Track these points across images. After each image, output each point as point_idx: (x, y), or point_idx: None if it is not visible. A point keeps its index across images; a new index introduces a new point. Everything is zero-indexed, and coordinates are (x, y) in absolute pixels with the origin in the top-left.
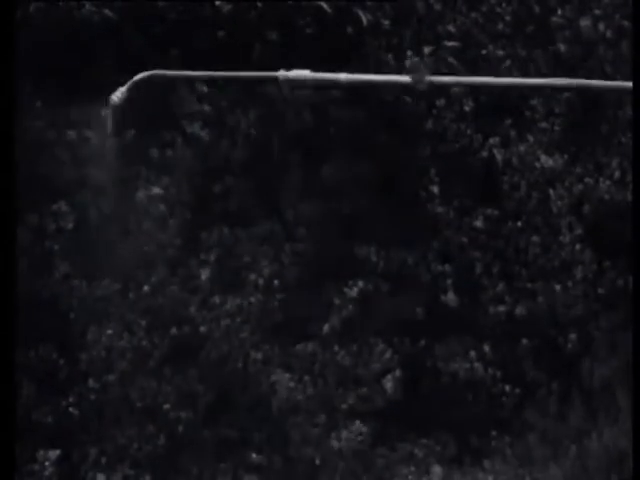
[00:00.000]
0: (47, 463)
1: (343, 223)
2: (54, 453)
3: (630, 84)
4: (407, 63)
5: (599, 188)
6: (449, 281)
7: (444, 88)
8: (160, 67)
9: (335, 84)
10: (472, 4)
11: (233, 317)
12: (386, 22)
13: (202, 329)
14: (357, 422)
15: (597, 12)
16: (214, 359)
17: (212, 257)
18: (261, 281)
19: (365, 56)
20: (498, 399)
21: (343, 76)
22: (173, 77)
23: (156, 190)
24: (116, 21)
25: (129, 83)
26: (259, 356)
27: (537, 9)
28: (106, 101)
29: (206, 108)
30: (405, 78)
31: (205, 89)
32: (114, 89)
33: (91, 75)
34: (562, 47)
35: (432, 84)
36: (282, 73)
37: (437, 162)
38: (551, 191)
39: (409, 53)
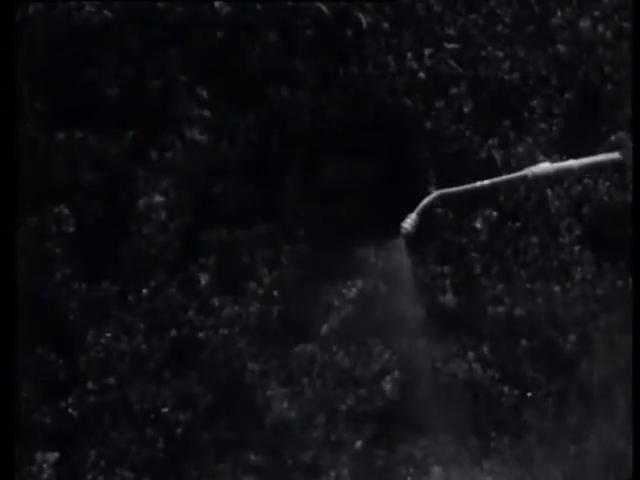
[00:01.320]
0: (45, 465)
1: (342, 224)
2: (53, 455)
3: None
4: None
5: (598, 189)
6: (447, 282)
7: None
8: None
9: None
10: (472, 5)
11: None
12: (386, 24)
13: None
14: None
15: (597, 13)
16: (213, 360)
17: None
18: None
19: (365, 58)
20: (497, 400)
21: (574, 163)
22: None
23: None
24: (116, 22)
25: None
26: (258, 358)
27: (537, 10)
28: None
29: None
30: (614, 155)
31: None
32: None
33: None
34: (562, 48)
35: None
36: (530, 171)
37: (436, 163)
38: (550, 192)
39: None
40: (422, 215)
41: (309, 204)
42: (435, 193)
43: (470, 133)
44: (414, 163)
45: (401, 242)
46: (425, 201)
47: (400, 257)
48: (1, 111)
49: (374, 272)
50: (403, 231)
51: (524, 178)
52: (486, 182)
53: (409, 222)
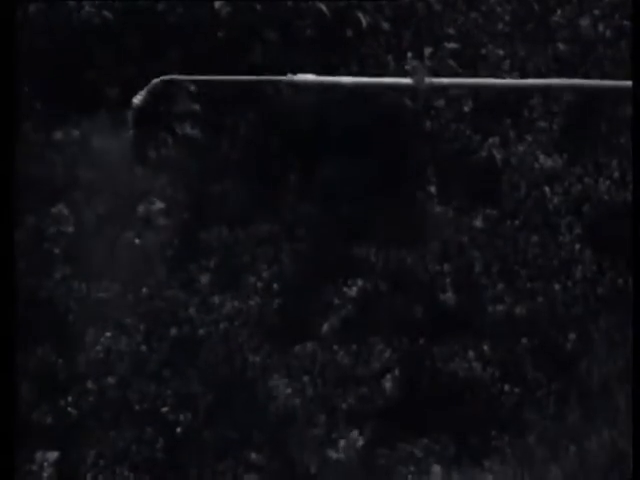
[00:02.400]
0: (46, 464)
1: (342, 223)
2: (52, 455)
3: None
4: (407, 66)
5: (598, 188)
6: (448, 280)
7: (443, 89)
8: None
9: (338, 87)
10: (472, 4)
11: (232, 319)
12: (385, 23)
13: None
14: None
15: (596, 12)
16: (213, 359)
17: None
18: (260, 282)
19: (365, 57)
20: (497, 399)
21: (346, 79)
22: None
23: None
24: (115, 22)
25: (149, 86)
26: (258, 357)
27: (537, 9)
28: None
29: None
30: (406, 80)
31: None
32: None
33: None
34: (561, 47)
35: (432, 85)
36: (287, 77)
37: (436, 162)
38: (550, 191)
39: (409, 55)
40: (152, 91)
41: (309, 203)
42: (164, 77)
43: (470, 132)
44: (414, 162)
45: (130, 115)
46: (153, 82)
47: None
48: (1, 111)
49: None
50: (133, 105)
51: (290, 82)
52: (235, 77)
53: (139, 97)
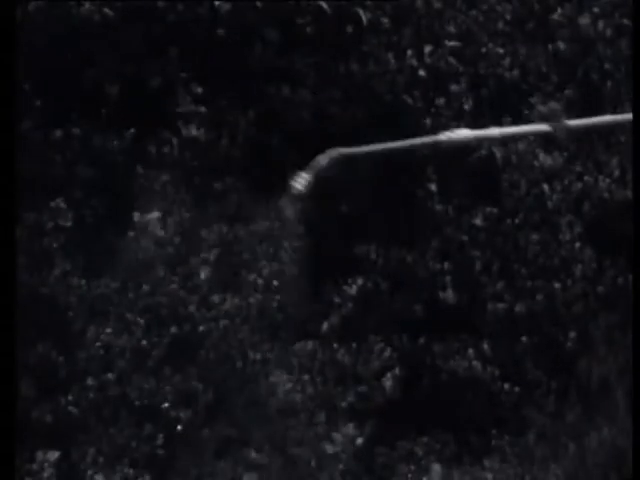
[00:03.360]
0: (46, 463)
1: (342, 222)
2: (53, 453)
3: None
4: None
5: (599, 186)
6: (448, 279)
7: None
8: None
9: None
10: (472, 2)
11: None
12: (386, 21)
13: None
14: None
15: (596, 10)
16: (213, 356)
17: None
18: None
19: (365, 55)
20: (497, 397)
21: (495, 131)
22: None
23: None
24: (116, 20)
25: (312, 167)
26: (258, 355)
27: (537, 7)
28: None
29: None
30: (544, 127)
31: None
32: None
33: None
34: (561, 45)
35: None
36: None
37: (436, 160)
38: (550, 189)
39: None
40: (316, 176)
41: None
42: (331, 152)
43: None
44: (414, 160)
45: (291, 199)
46: (323, 161)
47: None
48: (1, 111)
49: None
50: (294, 190)
51: (438, 143)
52: (395, 144)
53: (301, 182)
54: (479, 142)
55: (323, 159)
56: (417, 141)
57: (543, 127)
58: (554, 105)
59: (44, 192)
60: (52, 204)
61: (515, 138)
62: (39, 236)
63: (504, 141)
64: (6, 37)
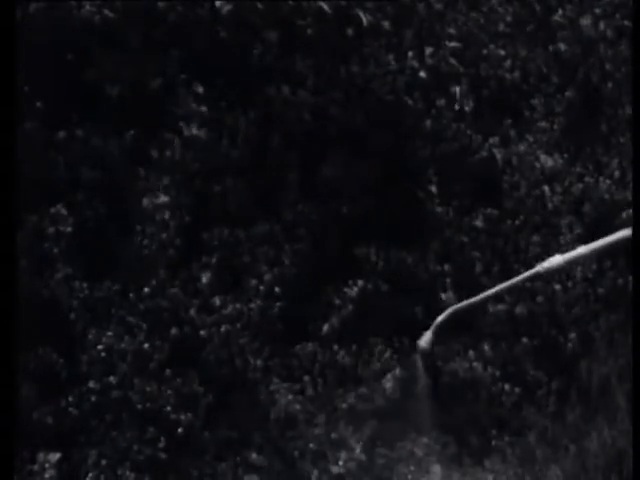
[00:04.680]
0: (47, 465)
1: (342, 223)
2: (54, 456)
3: None
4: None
5: (599, 187)
6: (448, 280)
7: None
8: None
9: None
10: (473, 4)
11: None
12: (386, 22)
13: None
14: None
15: (597, 11)
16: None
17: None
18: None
19: (365, 56)
20: (498, 398)
21: (585, 250)
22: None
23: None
24: (115, 21)
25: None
26: (258, 355)
27: (538, 9)
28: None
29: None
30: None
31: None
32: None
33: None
34: (562, 46)
35: None
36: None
37: (436, 162)
38: (550, 190)
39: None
40: (437, 332)
41: (309, 203)
42: (450, 309)
43: (471, 132)
44: (414, 162)
45: (418, 358)
46: (440, 318)
47: (417, 372)
48: (1, 111)
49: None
50: (419, 348)
51: (537, 275)
52: (501, 287)
53: (425, 339)
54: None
55: (445, 316)
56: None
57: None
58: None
59: (45, 194)
60: (52, 209)
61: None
62: (40, 239)
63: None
64: (6, 38)
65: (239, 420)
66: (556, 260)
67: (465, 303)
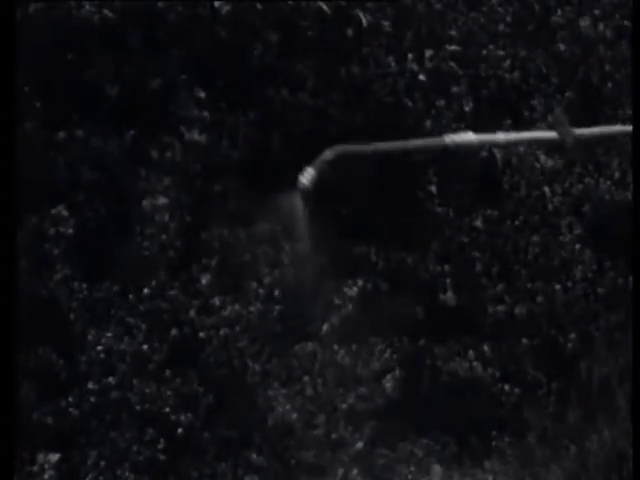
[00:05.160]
0: (46, 466)
1: (342, 223)
2: (53, 456)
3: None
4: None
5: (599, 188)
6: (448, 280)
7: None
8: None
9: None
10: (473, 4)
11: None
12: (386, 23)
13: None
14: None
15: (597, 12)
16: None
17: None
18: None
19: (365, 57)
20: (498, 398)
21: (501, 136)
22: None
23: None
24: (115, 21)
25: (318, 162)
26: (257, 354)
27: (537, 9)
28: None
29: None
30: (551, 134)
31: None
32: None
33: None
34: (562, 47)
35: (579, 137)
36: (450, 138)
37: (436, 162)
38: (550, 191)
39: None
40: (321, 170)
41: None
42: (334, 148)
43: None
44: (415, 162)
45: (298, 195)
46: (323, 156)
47: (296, 209)
48: (1, 111)
49: None
50: (300, 185)
51: (444, 146)
52: (396, 143)
53: (307, 177)
54: (482, 145)
55: (329, 154)
56: (422, 142)
57: (549, 133)
58: (558, 112)
59: (45, 195)
60: (53, 210)
61: (520, 143)
62: (40, 239)
63: (508, 146)
64: (6, 38)
65: (239, 421)
66: (468, 137)
67: (355, 146)
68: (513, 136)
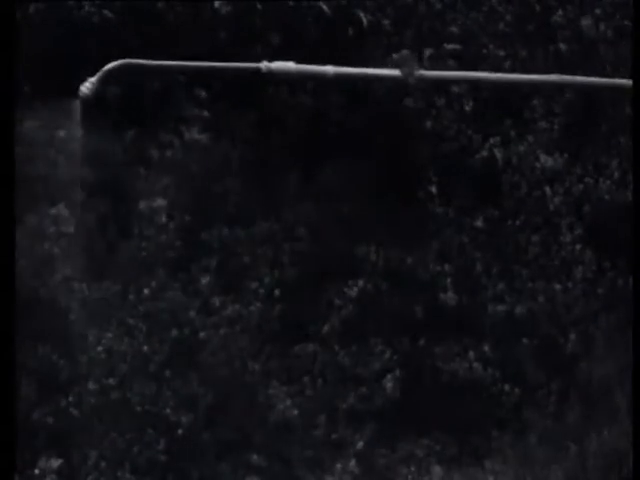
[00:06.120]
0: (47, 466)
1: (343, 223)
2: (56, 460)
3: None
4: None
5: (599, 188)
6: (448, 280)
7: (440, 84)
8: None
9: (322, 77)
10: (473, 4)
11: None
12: (386, 22)
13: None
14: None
15: (598, 12)
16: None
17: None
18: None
19: (366, 56)
20: (498, 399)
21: (330, 69)
22: (148, 66)
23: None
24: (115, 21)
25: (100, 73)
26: (258, 355)
27: (538, 8)
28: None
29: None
30: (395, 72)
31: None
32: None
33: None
34: (563, 46)
35: (422, 77)
36: (265, 64)
37: (437, 162)
38: (551, 191)
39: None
40: (103, 79)
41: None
42: (120, 61)
43: (471, 132)
44: (414, 162)
45: (77, 105)
46: (108, 67)
47: (72, 123)
48: (1, 111)
49: None
50: (81, 94)
51: (257, 70)
52: (202, 63)
53: (88, 86)
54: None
55: (112, 66)
56: (231, 65)
57: (392, 72)
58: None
59: (46, 195)
60: (53, 209)
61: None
62: (40, 239)
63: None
64: (6, 38)
65: (239, 421)
66: (286, 65)
67: (149, 62)
68: (344, 70)
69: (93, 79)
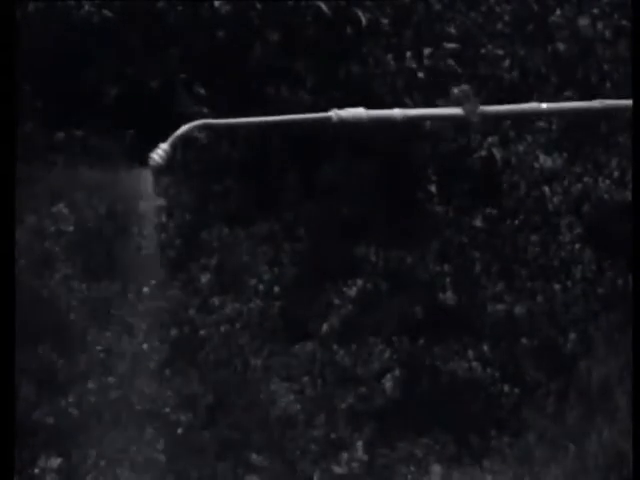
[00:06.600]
0: (47, 465)
1: (342, 223)
2: (55, 460)
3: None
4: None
5: (598, 187)
6: (448, 280)
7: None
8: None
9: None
10: (471, 4)
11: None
12: (385, 22)
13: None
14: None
15: (596, 11)
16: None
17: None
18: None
19: (364, 56)
20: (497, 398)
21: (398, 112)
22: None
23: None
24: (115, 21)
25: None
26: (258, 354)
27: (536, 8)
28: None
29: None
30: (457, 110)
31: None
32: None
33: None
34: (561, 46)
35: (484, 114)
36: (335, 112)
37: (436, 161)
38: (550, 190)
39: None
40: (175, 146)
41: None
42: (194, 123)
43: (470, 132)
44: (414, 162)
45: (148, 173)
46: (180, 131)
47: (145, 187)
48: (1, 111)
49: None
50: (152, 162)
51: (327, 119)
52: (276, 118)
53: (160, 153)
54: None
55: (184, 129)
56: (301, 117)
57: (455, 110)
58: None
59: (45, 194)
60: (53, 208)
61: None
62: (40, 239)
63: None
64: (6, 38)
65: (239, 420)
66: (357, 112)
67: (218, 121)
68: (412, 112)
69: (164, 145)
